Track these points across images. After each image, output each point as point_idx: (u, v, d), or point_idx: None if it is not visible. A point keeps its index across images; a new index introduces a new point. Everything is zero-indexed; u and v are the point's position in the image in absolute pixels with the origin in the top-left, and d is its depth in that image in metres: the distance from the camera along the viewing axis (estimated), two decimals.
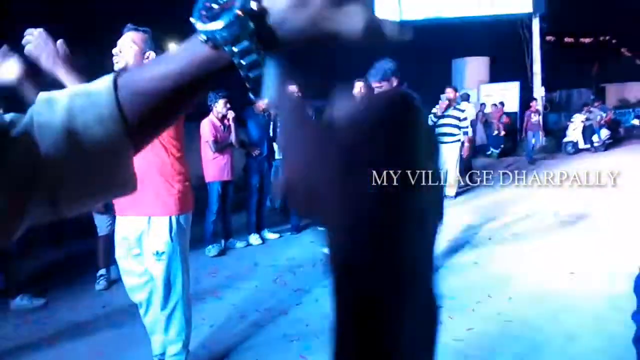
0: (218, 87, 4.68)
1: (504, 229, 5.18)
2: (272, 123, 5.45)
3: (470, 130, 7.62)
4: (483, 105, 13.37)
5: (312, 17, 0.45)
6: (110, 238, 3.44)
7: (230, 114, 5.00)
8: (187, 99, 0.49)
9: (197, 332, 2.95)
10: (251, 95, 0.50)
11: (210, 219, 5.01)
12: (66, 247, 5.65)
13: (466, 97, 10.11)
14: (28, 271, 4.01)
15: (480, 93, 14.51)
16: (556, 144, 12.95)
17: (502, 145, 12.51)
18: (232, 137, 5.05)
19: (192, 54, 0.46)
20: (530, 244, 4.55)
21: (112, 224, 3.31)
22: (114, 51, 2.33)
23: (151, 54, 2.36)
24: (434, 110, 7.21)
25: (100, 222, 4.08)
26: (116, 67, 2.34)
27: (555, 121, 15.84)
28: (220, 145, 4.93)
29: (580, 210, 5.50)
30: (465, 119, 7.26)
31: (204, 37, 0.45)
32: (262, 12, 0.45)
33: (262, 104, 5.28)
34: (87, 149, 0.44)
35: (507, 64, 15.97)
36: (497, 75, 15.65)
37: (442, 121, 7.17)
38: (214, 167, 4.98)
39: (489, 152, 12.55)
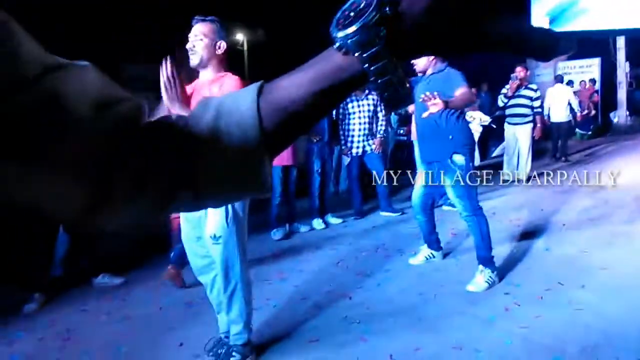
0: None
1: (580, 214, 4.89)
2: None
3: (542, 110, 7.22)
4: (570, 82, 12.49)
5: (453, 21, 0.42)
6: None
7: None
8: (320, 107, 0.49)
9: (261, 311, 3.06)
10: (385, 105, 0.48)
11: (274, 203, 5.14)
12: (145, 229, 6.02)
13: (560, 79, 9.41)
14: (109, 251, 4.31)
15: (556, 71, 13.62)
16: None
17: (591, 126, 11.67)
18: None
19: (326, 62, 0.46)
20: (608, 230, 4.27)
21: None
22: (187, 47, 2.39)
23: (222, 43, 2.41)
24: (503, 90, 6.91)
25: None
26: (192, 63, 2.41)
27: None
28: None
29: None
30: (537, 98, 6.90)
31: (337, 44, 0.45)
32: (396, 17, 0.42)
33: None
34: (225, 149, 0.46)
35: (587, 38, 14.85)
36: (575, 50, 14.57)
37: (513, 102, 6.86)
38: None
39: (576, 134, 11.64)
